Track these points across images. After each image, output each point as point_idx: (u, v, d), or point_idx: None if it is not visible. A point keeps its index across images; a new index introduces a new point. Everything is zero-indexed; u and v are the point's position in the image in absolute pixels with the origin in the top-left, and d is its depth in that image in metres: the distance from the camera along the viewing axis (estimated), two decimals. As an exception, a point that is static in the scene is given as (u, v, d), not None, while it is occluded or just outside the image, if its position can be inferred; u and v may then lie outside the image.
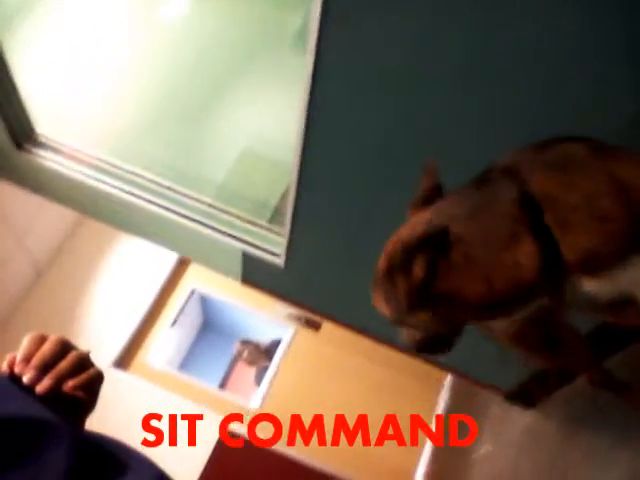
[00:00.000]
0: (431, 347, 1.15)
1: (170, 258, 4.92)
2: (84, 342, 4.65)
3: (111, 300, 4.90)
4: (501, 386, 2.91)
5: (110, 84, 3.27)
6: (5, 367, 0.77)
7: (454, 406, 4.14)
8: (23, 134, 2.70)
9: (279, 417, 4.57)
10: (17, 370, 0.75)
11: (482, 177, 1.10)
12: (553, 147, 1.08)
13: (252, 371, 5.39)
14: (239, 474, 4.36)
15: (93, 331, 4.74)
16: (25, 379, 0.74)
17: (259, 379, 5.06)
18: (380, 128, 1.79)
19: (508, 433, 3.03)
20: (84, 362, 0.82)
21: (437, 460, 4.15)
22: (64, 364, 0.78)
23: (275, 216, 2.79)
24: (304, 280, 2.82)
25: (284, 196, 2.80)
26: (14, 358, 0.77)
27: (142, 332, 4.87)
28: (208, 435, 4.44)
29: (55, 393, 0.75)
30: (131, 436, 4.17)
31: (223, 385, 5.82)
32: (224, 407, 4.62)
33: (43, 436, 0.63)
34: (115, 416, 4.22)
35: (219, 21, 3.66)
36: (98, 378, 0.84)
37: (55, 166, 2.75)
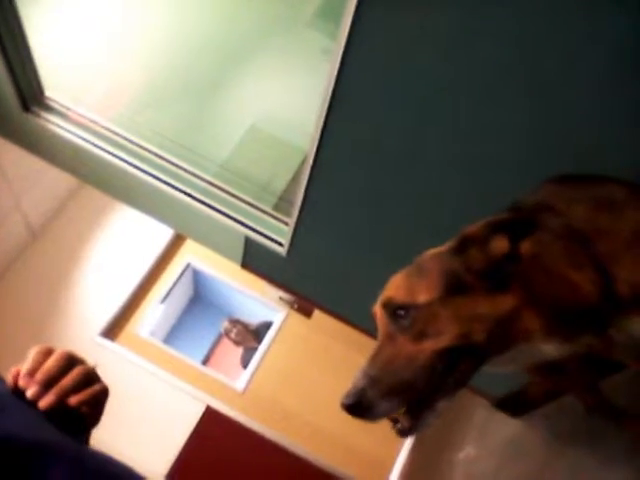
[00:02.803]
0: (453, 359, 0.95)
1: (167, 230, 4.87)
2: (74, 309, 4.63)
3: (104, 269, 4.86)
4: (490, 393, 2.91)
5: (122, 54, 3.20)
6: (10, 380, 0.76)
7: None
8: (32, 96, 2.64)
9: (263, 400, 4.59)
10: (21, 384, 0.74)
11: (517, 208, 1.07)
12: (589, 185, 1.06)
13: (237, 351, 5.38)
14: (219, 453, 4.37)
15: (84, 299, 4.71)
16: (28, 394, 0.73)
17: (245, 360, 5.05)
18: (407, 120, 1.71)
19: (491, 440, 3.04)
20: (90, 377, 0.81)
21: (416, 455, 4.18)
22: (68, 379, 0.76)
23: (280, 203, 2.75)
24: (304, 271, 2.79)
25: (291, 185, 2.76)
26: (18, 371, 0.76)
27: (133, 303, 4.84)
28: (190, 412, 4.44)
29: (58, 408, 0.74)
30: (111, 406, 4.17)
31: (206, 361, 5.83)
32: (208, 385, 4.62)
33: (43, 456, 0.60)
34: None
35: (236, -5, 3.59)
36: (103, 394, 0.83)
37: (60, 131, 2.70)
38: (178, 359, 4.76)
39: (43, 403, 0.72)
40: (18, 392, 0.73)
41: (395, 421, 1.00)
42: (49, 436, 0.67)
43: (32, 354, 0.78)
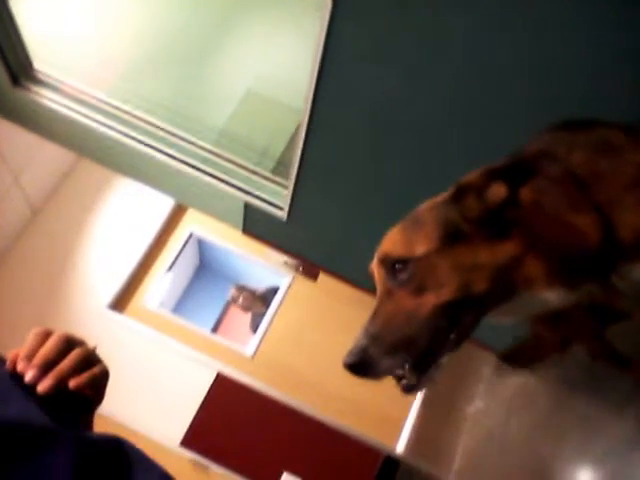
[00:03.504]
0: (455, 311, 0.93)
1: (169, 200, 4.86)
2: (80, 283, 4.65)
3: (108, 242, 4.86)
4: (496, 346, 2.92)
5: (110, 22, 3.14)
6: (8, 364, 0.75)
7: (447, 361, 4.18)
8: (20, 70, 2.60)
9: (273, 364, 4.63)
10: (19, 368, 0.73)
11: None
12: (589, 130, 1.03)
13: (246, 317, 5.41)
14: (232, 418, 4.43)
15: (89, 273, 4.72)
16: (26, 378, 0.72)
17: (254, 325, 5.08)
18: (398, 74, 1.68)
19: (500, 392, 3.07)
20: (89, 359, 0.79)
21: (427, 411, 4.23)
22: (67, 362, 0.75)
23: (278, 168, 2.73)
24: (305, 234, 2.78)
25: (288, 147, 2.73)
26: (17, 355, 0.75)
27: (139, 274, 4.85)
28: (201, 380, 4.49)
29: (58, 392, 0.73)
30: (124, 378, 4.23)
31: (215, 329, 5.87)
32: (218, 352, 4.66)
33: (43, 444, 0.59)
34: (109, 358, 4.26)
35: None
36: (103, 375, 0.81)
37: (52, 104, 2.67)
38: (187, 328, 4.80)
39: (41, 387, 0.71)
40: (17, 376, 0.72)
41: (399, 378, 0.99)
42: (50, 422, 0.66)
43: (30, 337, 0.77)
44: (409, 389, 0.98)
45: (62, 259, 4.70)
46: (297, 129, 2.16)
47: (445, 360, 0.98)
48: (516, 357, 2.91)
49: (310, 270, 4.81)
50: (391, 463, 4.35)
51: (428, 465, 3.97)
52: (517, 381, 2.93)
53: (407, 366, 0.97)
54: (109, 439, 0.67)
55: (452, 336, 0.95)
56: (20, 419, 0.62)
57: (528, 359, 2.87)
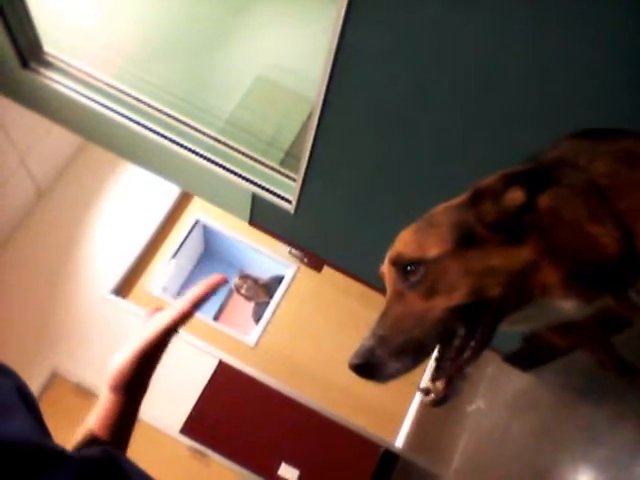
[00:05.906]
0: (467, 316, 0.91)
1: (176, 187, 4.84)
2: (84, 268, 4.64)
3: (113, 226, 4.85)
4: (501, 348, 2.90)
5: (121, 5, 3.11)
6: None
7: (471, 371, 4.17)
8: (30, 52, 2.57)
9: (275, 354, 4.63)
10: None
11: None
12: (612, 139, 1.00)
13: (248, 306, 5.41)
14: (232, 407, 4.44)
15: (94, 257, 4.71)
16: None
17: (256, 315, 5.08)
18: (415, 67, 1.64)
19: (502, 394, 3.05)
20: None
21: (427, 409, 4.22)
22: None
23: (287, 159, 2.70)
24: (312, 227, 2.76)
25: (298, 139, 2.70)
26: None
27: (144, 260, 4.85)
28: (203, 367, 4.50)
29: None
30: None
31: (217, 317, 5.87)
32: (221, 340, 4.66)
33: (41, 464, 0.57)
34: (110, 343, 4.27)
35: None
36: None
37: (60, 88, 2.64)
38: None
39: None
40: (21, 389, 0.70)
41: (426, 392, 0.97)
42: (51, 442, 0.64)
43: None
44: (437, 403, 0.95)
45: (67, 243, 4.69)
46: (308, 120, 2.12)
47: (469, 370, 0.96)
48: (520, 358, 2.89)
49: (315, 261, 4.79)
50: (390, 457, 4.36)
51: (426, 461, 3.96)
52: (520, 384, 2.91)
53: (432, 380, 0.96)
54: (108, 456, 0.65)
55: (471, 343, 0.93)
56: (19, 437, 0.60)
57: (532, 361, 2.85)
